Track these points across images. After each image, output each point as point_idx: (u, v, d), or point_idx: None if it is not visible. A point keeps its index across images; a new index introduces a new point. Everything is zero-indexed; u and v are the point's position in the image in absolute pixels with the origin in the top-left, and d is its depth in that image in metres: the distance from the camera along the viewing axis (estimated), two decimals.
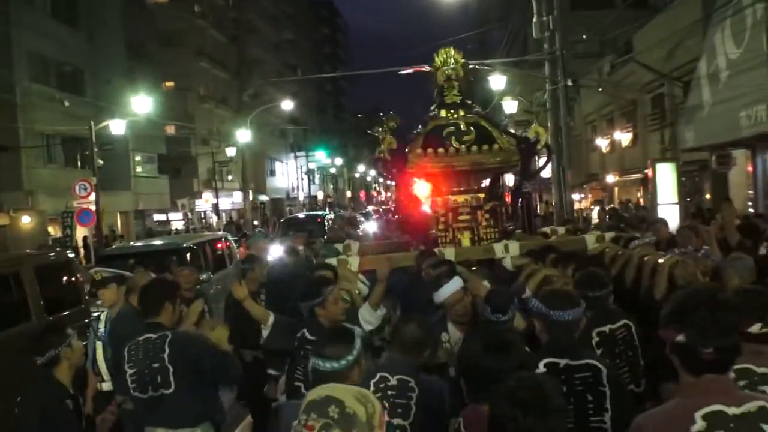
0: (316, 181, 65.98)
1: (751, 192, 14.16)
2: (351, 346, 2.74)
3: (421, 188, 6.65)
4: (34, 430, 3.42)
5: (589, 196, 28.80)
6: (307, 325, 4.37)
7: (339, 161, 71.02)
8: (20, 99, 23.86)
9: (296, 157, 59.17)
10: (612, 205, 23.01)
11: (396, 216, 10.97)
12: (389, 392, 3.19)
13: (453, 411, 3.08)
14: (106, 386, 5.62)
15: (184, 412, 3.92)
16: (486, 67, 19.89)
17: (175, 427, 3.92)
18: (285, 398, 4.58)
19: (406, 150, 6.42)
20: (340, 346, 2.73)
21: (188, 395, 3.93)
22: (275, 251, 9.37)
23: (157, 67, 34.02)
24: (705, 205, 14.64)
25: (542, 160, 7.36)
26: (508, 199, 8.03)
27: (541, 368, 3.13)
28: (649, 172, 17.98)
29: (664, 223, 8.46)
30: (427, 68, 7.30)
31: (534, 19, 15.96)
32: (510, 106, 23.26)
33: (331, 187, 73.55)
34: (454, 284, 4.28)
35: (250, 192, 43.40)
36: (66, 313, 8.01)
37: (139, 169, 32.98)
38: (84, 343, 5.40)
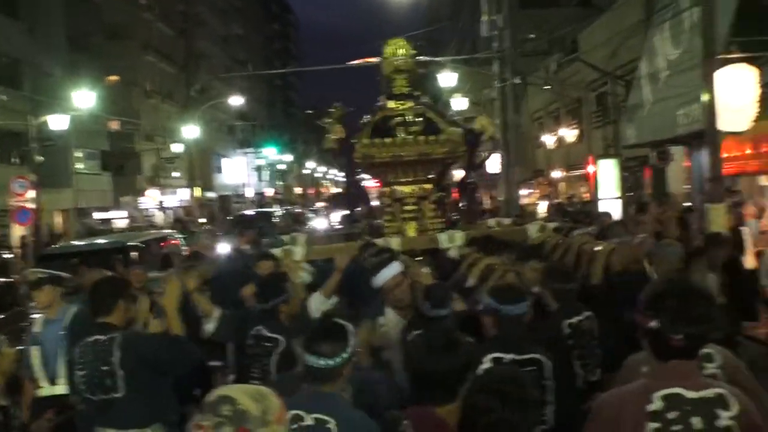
0: (265, 177, 65.37)
1: (687, 186, 14.68)
2: (345, 343, 2.69)
3: (368, 178, 6.68)
4: None
5: (536, 191, 29.32)
6: (263, 321, 4.24)
7: (289, 157, 70.50)
8: None
9: (245, 153, 58.52)
10: (558, 200, 23.52)
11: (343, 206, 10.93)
12: None
13: (390, 405, 2.94)
14: (45, 392, 5.38)
15: (135, 414, 3.84)
16: (436, 64, 20.07)
17: (125, 429, 3.84)
18: None
19: (353, 141, 6.43)
20: (335, 343, 2.67)
21: (139, 397, 3.83)
22: (222, 249, 9.29)
23: (101, 60, 33.04)
24: (645, 199, 15.11)
25: (488, 153, 7.48)
26: (454, 193, 8.12)
27: (487, 363, 3.17)
28: (590, 168, 18.50)
29: (608, 216, 8.84)
30: (376, 59, 7.34)
31: (484, 18, 16.18)
32: (459, 103, 23.51)
33: (281, 183, 72.89)
34: (394, 268, 4.31)
35: (198, 189, 42.67)
36: None
37: (80, 165, 32.01)
38: (20, 348, 5.21)
